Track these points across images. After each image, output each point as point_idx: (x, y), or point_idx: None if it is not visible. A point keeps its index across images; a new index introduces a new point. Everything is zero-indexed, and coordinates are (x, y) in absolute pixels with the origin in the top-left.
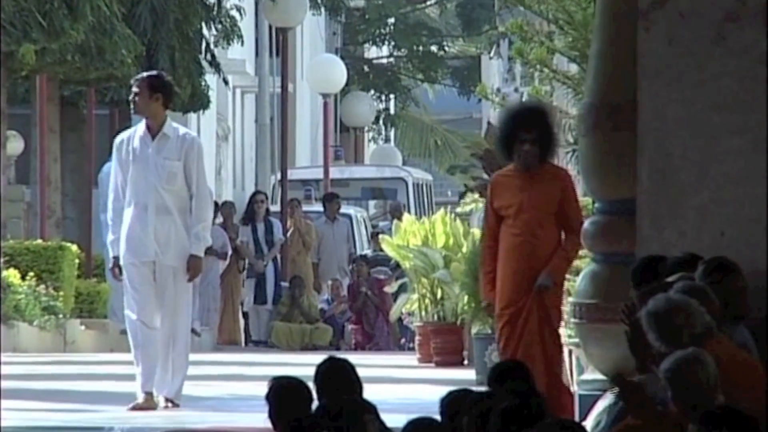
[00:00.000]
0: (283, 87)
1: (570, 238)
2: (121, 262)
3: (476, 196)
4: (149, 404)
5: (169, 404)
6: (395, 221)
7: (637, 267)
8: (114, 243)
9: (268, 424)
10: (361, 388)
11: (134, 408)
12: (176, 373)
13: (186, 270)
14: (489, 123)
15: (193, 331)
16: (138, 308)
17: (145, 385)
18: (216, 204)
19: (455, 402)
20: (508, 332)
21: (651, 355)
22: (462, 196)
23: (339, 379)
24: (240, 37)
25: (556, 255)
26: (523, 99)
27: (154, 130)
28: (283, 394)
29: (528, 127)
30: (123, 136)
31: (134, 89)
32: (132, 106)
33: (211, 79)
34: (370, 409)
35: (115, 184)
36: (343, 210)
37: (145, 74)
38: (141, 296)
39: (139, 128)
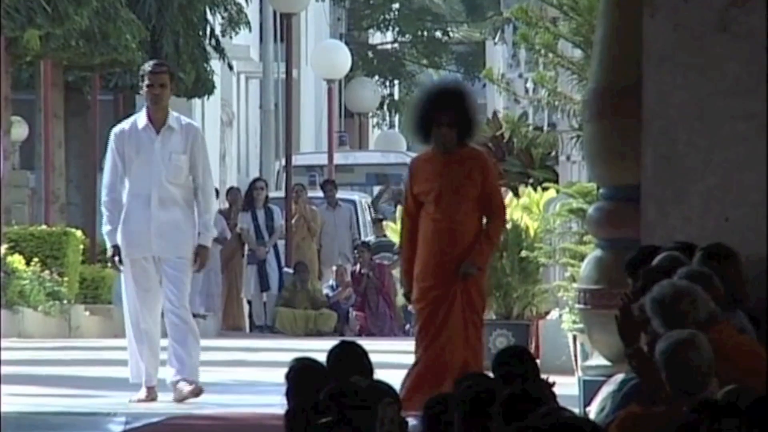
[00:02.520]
0: (288, 73)
1: (492, 222)
2: (122, 254)
3: None
4: (153, 397)
5: (192, 386)
6: (399, 206)
7: (633, 257)
8: (111, 233)
9: (271, 409)
10: (372, 371)
11: (139, 401)
12: (191, 355)
13: (194, 260)
14: (494, 112)
15: (196, 315)
16: (140, 302)
17: (150, 380)
18: (216, 191)
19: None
20: (427, 317)
21: (639, 341)
22: None
23: (351, 362)
24: (248, 23)
25: (479, 240)
26: (438, 80)
27: (158, 123)
28: (302, 375)
29: (445, 109)
30: (121, 126)
31: (159, 81)
32: (150, 97)
33: (215, 64)
34: (389, 392)
35: (112, 175)
36: (347, 196)
37: (163, 64)
38: (142, 290)
39: (140, 119)
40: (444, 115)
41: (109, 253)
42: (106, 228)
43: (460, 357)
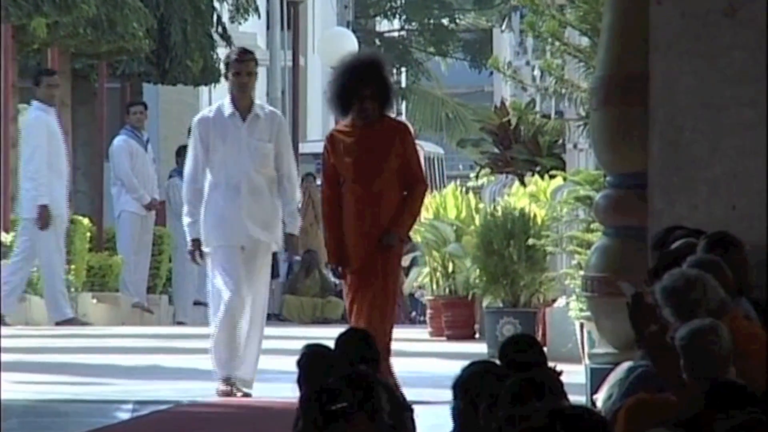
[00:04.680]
0: (295, 60)
1: (412, 193)
2: (206, 246)
3: (488, 170)
4: (234, 388)
5: (243, 389)
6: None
7: (659, 237)
8: (192, 226)
9: (278, 396)
10: (379, 358)
11: (224, 394)
12: (252, 353)
13: (285, 249)
14: (502, 100)
15: (204, 304)
16: (231, 293)
17: (232, 371)
18: None
19: (512, 349)
20: (357, 291)
21: (651, 328)
22: (478, 174)
23: (359, 349)
24: (256, 10)
25: (399, 211)
26: (355, 53)
27: (244, 110)
28: (314, 361)
29: (366, 82)
30: (204, 114)
31: (247, 68)
32: (237, 85)
33: (222, 52)
34: (383, 383)
35: (194, 165)
36: None
37: (249, 51)
38: (234, 280)
39: (225, 107)
40: (366, 88)
41: (189, 247)
42: (186, 220)
43: (380, 328)
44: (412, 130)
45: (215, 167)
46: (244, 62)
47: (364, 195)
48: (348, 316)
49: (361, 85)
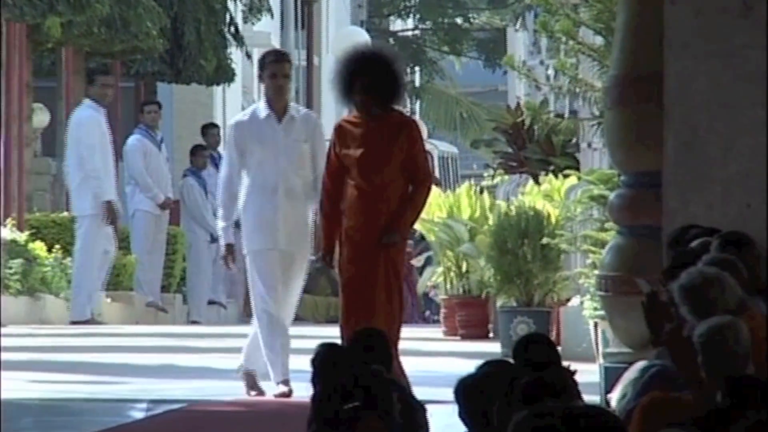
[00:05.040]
0: (309, 60)
1: (416, 188)
2: (245, 249)
3: (501, 170)
4: (289, 392)
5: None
6: None
7: (675, 234)
8: (226, 230)
9: (293, 395)
10: (391, 358)
11: (282, 395)
12: (285, 354)
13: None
14: (517, 101)
15: (218, 303)
16: (269, 297)
17: (285, 373)
18: None
19: (526, 348)
20: (353, 287)
21: (665, 328)
22: (494, 175)
23: (371, 348)
24: (269, 10)
25: (402, 207)
26: (358, 46)
27: (280, 112)
28: (327, 360)
29: (359, 76)
30: (239, 118)
31: (283, 71)
32: (274, 87)
33: (236, 51)
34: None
35: (230, 168)
36: None
37: (285, 53)
38: (270, 284)
39: (260, 110)
40: (358, 82)
41: (223, 252)
42: (221, 224)
43: (388, 327)
44: (424, 129)
45: (252, 170)
46: (281, 64)
47: (368, 189)
48: (343, 311)
49: (355, 79)
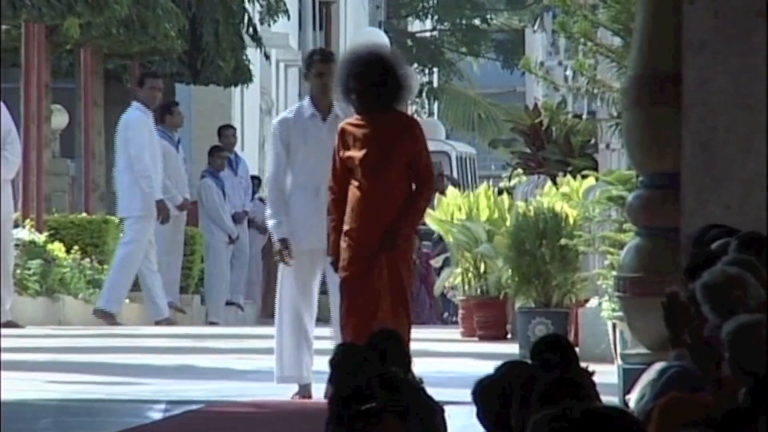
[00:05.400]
0: None
1: (420, 190)
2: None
3: (520, 171)
4: (309, 395)
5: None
6: (438, 195)
7: (698, 235)
8: (278, 226)
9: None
10: (409, 360)
11: (302, 397)
12: (310, 354)
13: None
14: (535, 102)
15: (236, 304)
16: (301, 297)
17: (308, 377)
18: (258, 178)
19: (544, 349)
20: (354, 290)
21: (685, 328)
22: (511, 175)
23: (391, 350)
24: (286, 11)
25: (405, 209)
26: (356, 46)
27: (324, 111)
28: (346, 361)
29: (355, 76)
30: (284, 116)
31: (330, 70)
32: (320, 86)
33: (254, 52)
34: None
35: (277, 166)
36: None
37: (331, 52)
38: (301, 284)
39: (305, 108)
40: (351, 82)
41: (277, 247)
42: (272, 222)
43: (398, 329)
44: (442, 130)
45: (296, 168)
46: (328, 63)
47: (370, 190)
48: (344, 312)
49: (351, 79)
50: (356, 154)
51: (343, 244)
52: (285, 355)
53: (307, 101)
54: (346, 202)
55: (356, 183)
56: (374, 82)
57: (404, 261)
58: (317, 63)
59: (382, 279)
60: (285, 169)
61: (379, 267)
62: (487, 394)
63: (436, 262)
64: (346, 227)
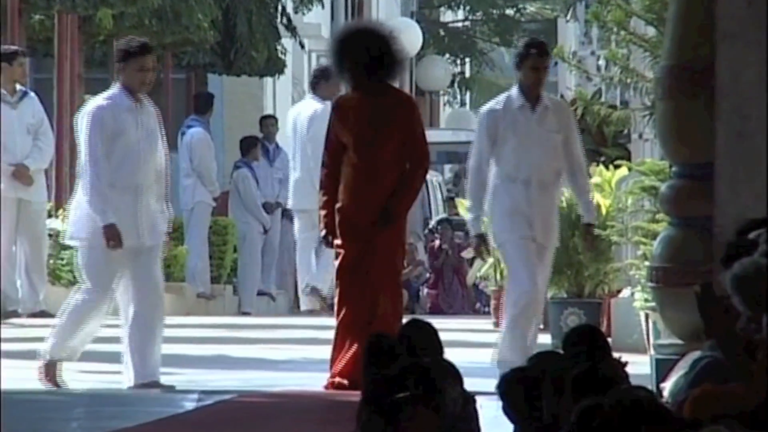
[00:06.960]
0: None
1: (413, 169)
2: (495, 241)
3: None
4: None
5: None
6: None
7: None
8: (475, 222)
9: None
10: (442, 350)
11: None
12: (535, 336)
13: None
14: (568, 90)
15: (268, 294)
16: (529, 283)
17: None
18: None
19: (576, 339)
20: (349, 268)
21: (719, 318)
22: None
23: (422, 340)
24: (320, 0)
25: (399, 187)
26: (352, 23)
27: (534, 101)
28: (376, 351)
29: (349, 52)
30: (493, 106)
31: (545, 63)
32: (530, 79)
33: (287, 42)
34: (453, 373)
35: (479, 158)
36: None
37: (546, 44)
38: (530, 272)
39: (514, 99)
40: (347, 58)
41: (474, 243)
42: (469, 216)
43: (381, 310)
44: (474, 120)
45: (503, 159)
46: (542, 57)
47: (364, 167)
48: (339, 295)
49: (344, 54)
50: (350, 129)
51: (340, 222)
52: (509, 343)
53: (515, 91)
54: (336, 180)
55: (349, 159)
56: (368, 57)
57: (397, 240)
58: (534, 56)
59: (374, 260)
60: (487, 161)
61: (372, 246)
62: (517, 385)
63: (467, 253)
64: (339, 204)
